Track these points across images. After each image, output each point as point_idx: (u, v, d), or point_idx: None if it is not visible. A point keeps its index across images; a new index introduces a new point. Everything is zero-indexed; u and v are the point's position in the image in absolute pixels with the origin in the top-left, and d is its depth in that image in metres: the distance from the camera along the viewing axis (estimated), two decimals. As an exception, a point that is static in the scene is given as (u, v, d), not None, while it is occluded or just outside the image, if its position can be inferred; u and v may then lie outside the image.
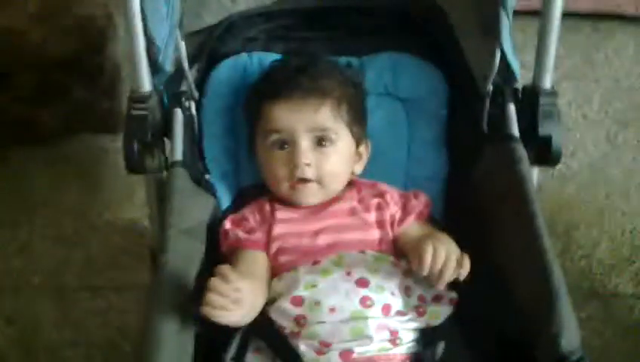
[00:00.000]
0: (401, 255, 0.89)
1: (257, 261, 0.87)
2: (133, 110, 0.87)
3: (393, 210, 0.92)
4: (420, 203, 0.93)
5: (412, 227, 0.91)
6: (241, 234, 0.90)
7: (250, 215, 0.92)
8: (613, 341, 1.22)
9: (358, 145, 0.96)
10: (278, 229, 0.90)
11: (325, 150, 0.91)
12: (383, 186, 0.95)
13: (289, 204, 0.92)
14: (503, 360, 0.80)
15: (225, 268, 0.74)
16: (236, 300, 0.74)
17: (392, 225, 0.91)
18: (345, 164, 0.93)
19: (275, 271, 0.88)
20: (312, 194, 0.91)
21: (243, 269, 0.84)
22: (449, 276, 0.79)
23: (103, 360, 1.20)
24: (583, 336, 0.73)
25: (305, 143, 0.90)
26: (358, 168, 0.97)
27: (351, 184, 0.96)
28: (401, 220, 0.91)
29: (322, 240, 0.88)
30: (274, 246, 0.89)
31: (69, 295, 1.29)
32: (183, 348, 0.75)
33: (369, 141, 0.98)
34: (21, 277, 1.32)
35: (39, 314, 1.26)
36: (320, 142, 0.91)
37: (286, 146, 0.91)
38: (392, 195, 0.93)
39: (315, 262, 0.86)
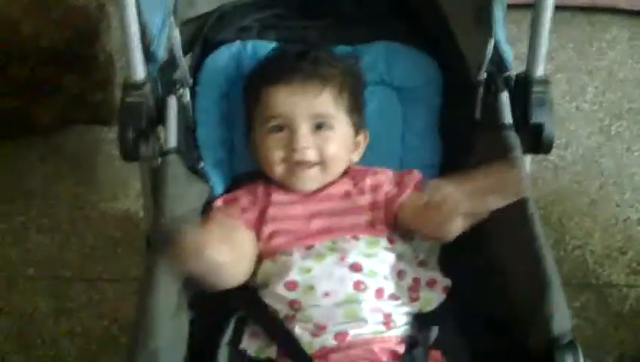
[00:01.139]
0: (400, 232, 0.89)
1: (244, 237, 0.87)
2: (128, 97, 0.87)
3: (387, 188, 0.92)
4: (414, 177, 0.93)
5: (412, 198, 0.90)
6: (231, 211, 0.90)
7: (243, 196, 0.93)
8: (606, 330, 1.23)
9: (356, 134, 0.96)
10: (272, 211, 0.90)
11: (324, 134, 0.91)
12: (376, 169, 0.95)
13: (284, 187, 0.92)
14: (495, 346, 0.80)
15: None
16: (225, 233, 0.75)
17: (387, 203, 0.90)
18: (344, 150, 0.93)
19: (269, 254, 0.88)
20: (310, 180, 0.91)
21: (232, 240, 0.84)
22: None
23: (98, 351, 1.20)
24: (576, 326, 0.74)
25: (304, 128, 0.90)
26: (355, 157, 0.97)
27: (346, 171, 0.95)
28: (398, 195, 0.90)
29: (316, 224, 0.89)
30: (268, 229, 0.89)
31: (64, 286, 1.29)
32: (177, 332, 0.75)
33: (367, 131, 0.98)
34: (16, 268, 1.32)
35: (34, 306, 1.26)
36: (319, 127, 0.91)
37: (284, 130, 0.91)
38: (386, 174, 0.94)
39: (309, 247, 0.86)
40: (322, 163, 0.91)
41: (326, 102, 0.91)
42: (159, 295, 0.73)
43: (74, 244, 1.35)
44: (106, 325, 1.23)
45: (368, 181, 0.92)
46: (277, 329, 0.81)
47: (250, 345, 0.81)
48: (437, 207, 0.76)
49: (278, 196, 0.91)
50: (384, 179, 0.93)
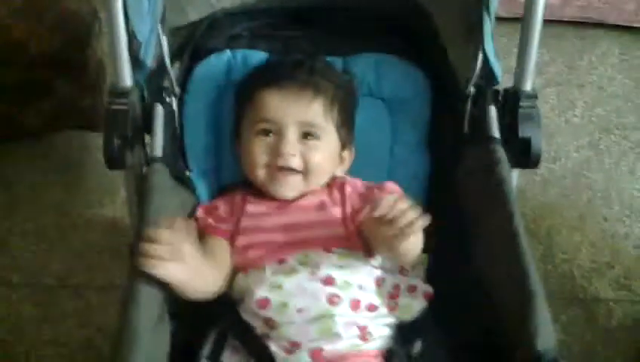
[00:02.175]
0: (370, 249, 0.86)
1: (219, 247, 0.87)
2: (114, 105, 0.87)
3: (354, 201, 0.91)
4: (384, 191, 0.91)
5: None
6: (210, 221, 0.90)
7: (222, 205, 0.92)
8: (593, 345, 1.23)
9: (342, 148, 0.96)
10: (245, 223, 0.89)
11: (311, 143, 0.91)
12: (347, 179, 0.95)
13: (262, 195, 0.92)
14: (480, 359, 0.80)
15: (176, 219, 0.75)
16: (174, 251, 0.73)
17: (353, 216, 0.89)
18: (328, 162, 0.93)
19: (243, 266, 0.87)
20: (291, 187, 0.91)
21: (205, 250, 0.83)
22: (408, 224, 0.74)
23: (82, 360, 1.19)
24: (563, 340, 0.74)
25: (292, 134, 0.90)
26: (339, 172, 0.96)
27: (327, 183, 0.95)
28: (361, 210, 0.88)
29: (289, 236, 0.88)
30: (242, 240, 0.88)
31: (48, 293, 1.28)
32: (158, 345, 0.74)
33: (353, 147, 0.98)
34: (0, 274, 1.30)
35: (17, 313, 1.25)
36: (306, 135, 0.91)
37: (271, 134, 0.90)
38: (354, 186, 0.93)
39: (281, 260, 0.85)
40: (305, 172, 0.90)
41: (316, 112, 0.91)
42: (141, 307, 0.72)
43: (59, 251, 1.34)
44: (89, 334, 1.21)
45: (342, 192, 0.92)
46: (255, 346, 0.80)
47: (230, 359, 0.80)
48: (390, 221, 0.75)
49: (252, 207, 0.91)
50: (349, 190, 0.92)
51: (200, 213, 0.91)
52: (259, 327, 0.81)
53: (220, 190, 0.99)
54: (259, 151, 0.90)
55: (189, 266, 0.75)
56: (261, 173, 0.91)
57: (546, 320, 0.72)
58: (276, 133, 0.90)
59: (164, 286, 0.76)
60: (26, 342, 1.21)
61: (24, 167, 1.48)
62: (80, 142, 1.52)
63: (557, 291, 1.29)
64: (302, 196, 0.92)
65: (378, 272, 0.85)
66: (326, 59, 0.99)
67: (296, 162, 0.90)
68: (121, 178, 0.95)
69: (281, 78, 0.91)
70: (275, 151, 0.89)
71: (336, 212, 0.90)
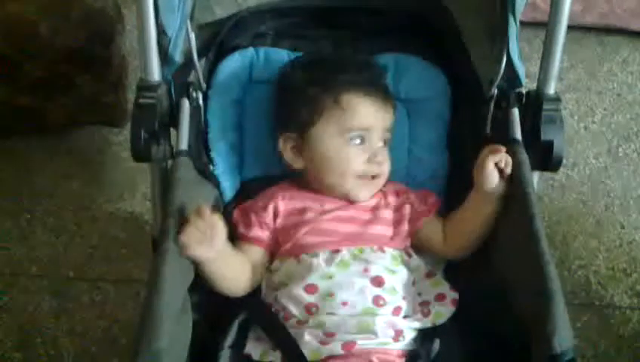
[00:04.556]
0: (416, 249, 0.92)
1: (252, 252, 0.89)
2: (142, 99, 0.88)
3: (415, 204, 0.94)
4: (436, 201, 0.96)
5: (434, 221, 0.93)
6: (243, 227, 0.92)
7: (258, 206, 0.93)
8: (607, 351, 1.22)
9: None
10: (307, 215, 0.91)
11: (386, 149, 0.95)
12: (399, 185, 0.98)
13: (303, 190, 0.94)
14: (497, 359, 0.80)
15: (203, 207, 0.78)
16: (210, 236, 0.76)
17: (413, 218, 0.92)
18: None
19: (294, 252, 0.88)
20: (370, 192, 0.93)
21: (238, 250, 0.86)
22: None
23: (98, 352, 1.20)
24: (577, 346, 0.74)
25: (381, 142, 0.93)
26: None
27: None
28: (424, 213, 0.93)
29: (345, 228, 0.89)
30: (302, 229, 0.89)
31: (66, 285, 1.29)
32: (181, 334, 0.75)
33: None
34: (20, 265, 1.32)
35: (36, 304, 1.26)
36: (385, 142, 0.94)
37: (364, 142, 0.92)
38: (409, 192, 0.96)
39: (336, 251, 0.87)
40: (382, 176, 0.94)
41: (392, 119, 0.95)
42: (164, 296, 0.72)
43: (78, 244, 1.35)
44: (106, 326, 1.23)
45: (394, 197, 0.95)
46: (279, 334, 0.81)
47: (254, 348, 0.82)
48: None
49: (312, 203, 0.92)
50: (410, 194, 0.95)
51: (236, 215, 0.93)
52: (296, 314, 0.82)
53: (242, 185, 1.00)
54: (355, 159, 0.91)
55: (217, 250, 0.78)
56: (350, 180, 0.92)
57: (564, 320, 0.72)
58: (368, 140, 0.92)
59: (188, 276, 0.77)
60: (43, 332, 1.22)
61: (46, 161, 1.50)
62: (101, 137, 1.53)
63: (572, 297, 1.29)
64: None
65: (415, 286, 0.87)
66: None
67: (385, 169, 0.94)
68: (140, 173, 0.96)
69: (372, 85, 0.93)
70: (369, 159, 0.91)
71: (388, 213, 0.93)
